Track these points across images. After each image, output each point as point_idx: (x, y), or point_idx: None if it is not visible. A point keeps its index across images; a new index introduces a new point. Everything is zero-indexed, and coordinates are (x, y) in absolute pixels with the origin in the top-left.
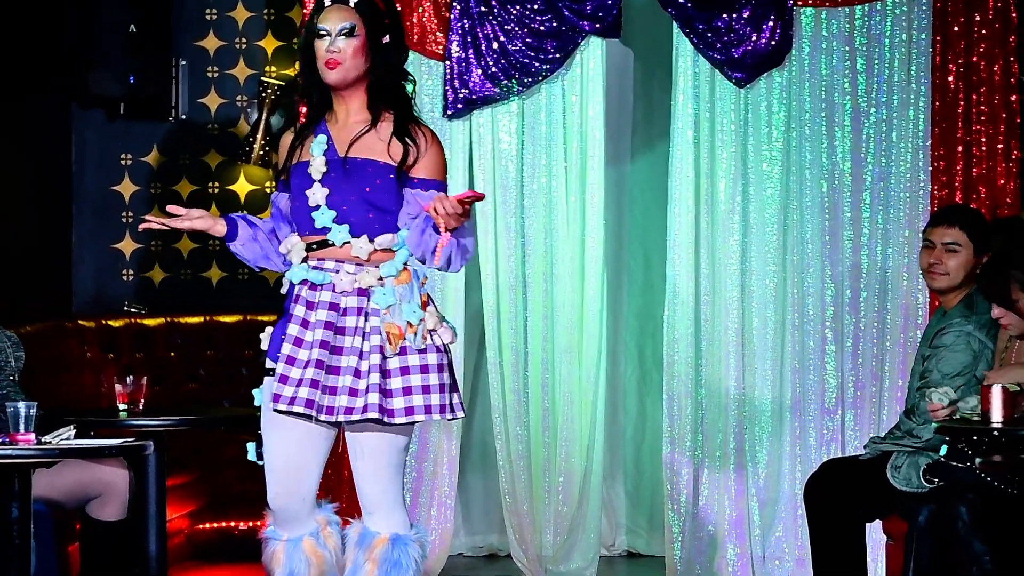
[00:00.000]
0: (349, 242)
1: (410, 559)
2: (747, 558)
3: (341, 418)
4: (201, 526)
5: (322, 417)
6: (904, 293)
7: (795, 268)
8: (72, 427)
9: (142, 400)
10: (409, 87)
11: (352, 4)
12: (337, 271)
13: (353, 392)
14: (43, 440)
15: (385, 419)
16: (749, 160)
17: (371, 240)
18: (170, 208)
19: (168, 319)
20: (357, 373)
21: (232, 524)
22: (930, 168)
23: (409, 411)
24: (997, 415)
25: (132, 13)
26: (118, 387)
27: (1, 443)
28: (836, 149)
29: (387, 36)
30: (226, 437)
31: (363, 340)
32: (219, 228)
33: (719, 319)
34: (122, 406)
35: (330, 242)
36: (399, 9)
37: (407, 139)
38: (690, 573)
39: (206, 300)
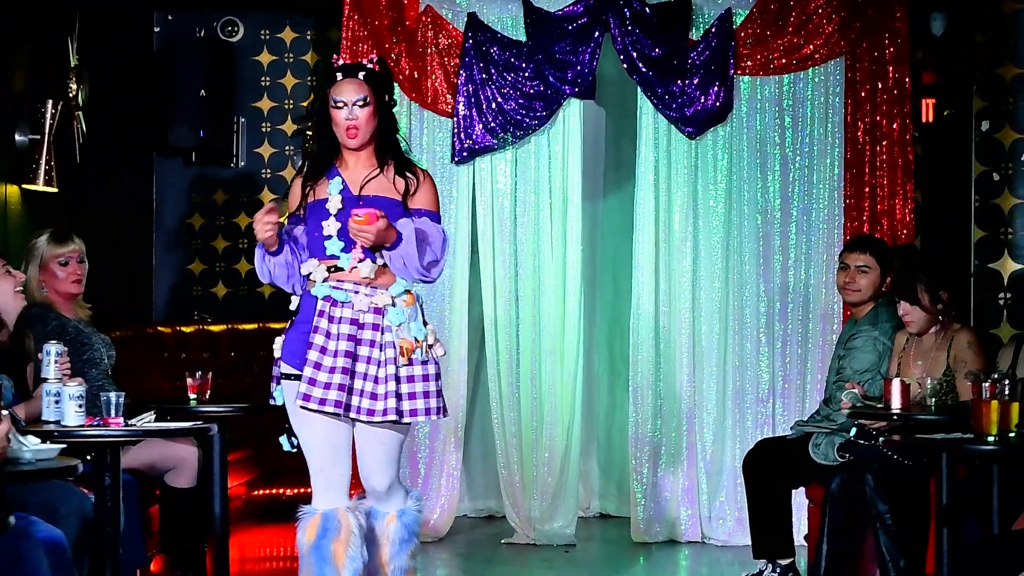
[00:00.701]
0: (356, 267)
1: (415, 523)
2: (696, 518)
3: (364, 417)
4: (256, 492)
5: (350, 415)
6: (823, 305)
7: (736, 285)
8: (152, 412)
9: (208, 391)
10: (400, 135)
11: (361, 77)
12: (356, 292)
13: (373, 396)
14: (129, 423)
15: (398, 420)
16: (699, 198)
17: (373, 261)
18: (269, 203)
19: (229, 326)
20: (376, 379)
21: (281, 491)
22: (843, 204)
23: (414, 412)
24: (896, 403)
25: (203, 80)
26: (189, 381)
27: (96, 425)
28: (768, 189)
29: (387, 96)
30: (275, 421)
31: (380, 351)
32: (274, 241)
33: (674, 326)
34: (192, 396)
35: (340, 266)
36: (416, 76)
37: (407, 174)
38: (651, 530)
39: (260, 310)
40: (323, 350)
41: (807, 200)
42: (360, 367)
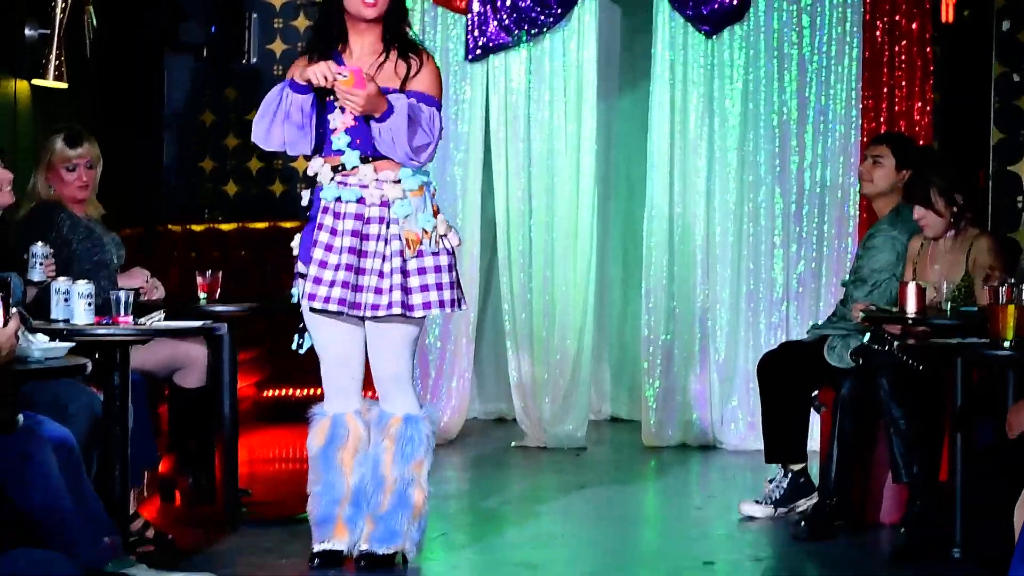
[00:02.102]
0: (357, 166)
1: (422, 435)
2: (708, 422)
3: (368, 314)
4: (265, 393)
5: (353, 313)
6: (838, 207)
7: (751, 186)
8: (162, 311)
9: (218, 290)
10: (411, 31)
11: None
12: (366, 186)
13: (378, 291)
14: (139, 322)
15: (407, 313)
16: (714, 98)
17: (374, 159)
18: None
19: (240, 224)
20: (380, 274)
21: (290, 392)
22: (860, 106)
23: (426, 306)
24: (912, 307)
25: None
26: (199, 280)
27: (105, 324)
28: (785, 89)
29: None
30: (285, 321)
31: (385, 245)
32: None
33: (688, 227)
34: (202, 295)
35: (344, 163)
36: None
37: (409, 55)
38: (662, 433)
39: (271, 209)
40: (328, 247)
41: (824, 100)
42: (366, 263)
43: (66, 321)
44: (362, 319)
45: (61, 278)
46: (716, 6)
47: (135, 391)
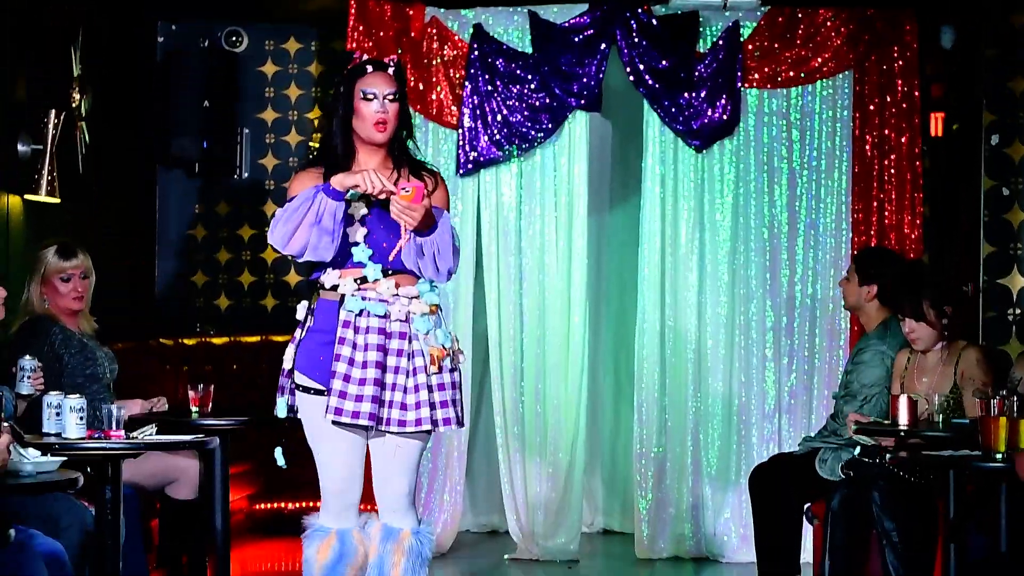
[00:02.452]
0: (379, 279)
1: (429, 549)
2: (701, 535)
3: (395, 429)
4: (258, 506)
5: (382, 428)
6: (830, 320)
7: (742, 299)
8: (154, 425)
9: (210, 404)
10: (410, 142)
11: (391, 72)
12: (392, 302)
13: (403, 406)
14: (130, 436)
15: (432, 429)
16: (705, 211)
17: (394, 274)
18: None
19: (232, 339)
20: (405, 389)
21: (283, 505)
22: (851, 219)
23: (447, 421)
24: (904, 419)
25: (206, 91)
26: (191, 393)
27: (97, 438)
28: (775, 203)
29: (405, 97)
30: (277, 435)
31: (408, 360)
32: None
33: (680, 340)
34: (194, 409)
35: (366, 276)
36: (421, 87)
37: (424, 174)
38: (655, 546)
39: (263, 323)
40: (351, 362)
41: (814, 214)
42: (388, 378)
43: (58, 435)
44: (366, 432)
45: (53, 392)
46: (706, 120)
47: (126, 504)
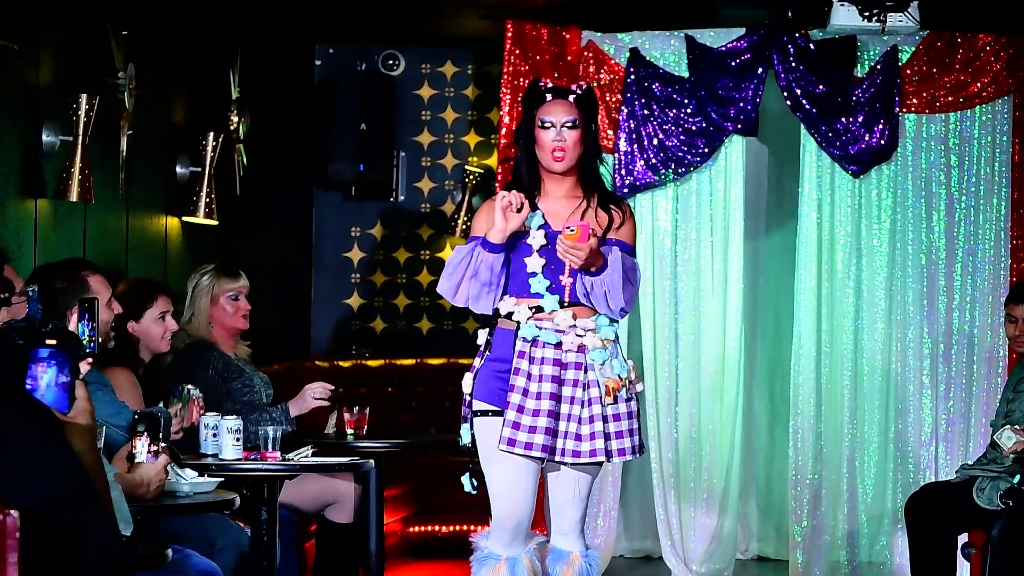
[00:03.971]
0: (556, 311)
1: (596, 572)
2: (856, 563)
3: (569, 460)
4: (412, 529)
5: (556, 459)
6: (988, 348)
7: (899, 326)
8: (310, 448)
9: (365, 427)
10: (603, 168)
11: (572, 99)
12: (566, 332)
13: (578, 437)
14: (287, 457)
15: (606, 460)
16: (862, 237)
17: (571, 305)
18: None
19: (387, 361)
20: (579, 420)
21: (437, 528)
22: (1010, 245)
23: (621, 452)
24: None
25: (363, 114)
26: (346, 416)
27: (253, 459)
28: (933, 229)
29: (593, 124)
30: (432, 457)
31: (583, 391)
32: (500, 237)
33: (836, 366)
34: (349, 431)
35: (542, 306)
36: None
37: (612, 207)
38: (809, 573)
39: (417, 346)
40: (525, 392)
41: (973, 240)
42: (564, 408)
43: (215, 456)
44: (540, 461)
45: (210, 413)
46: (863, 145)
47: (283, 526)
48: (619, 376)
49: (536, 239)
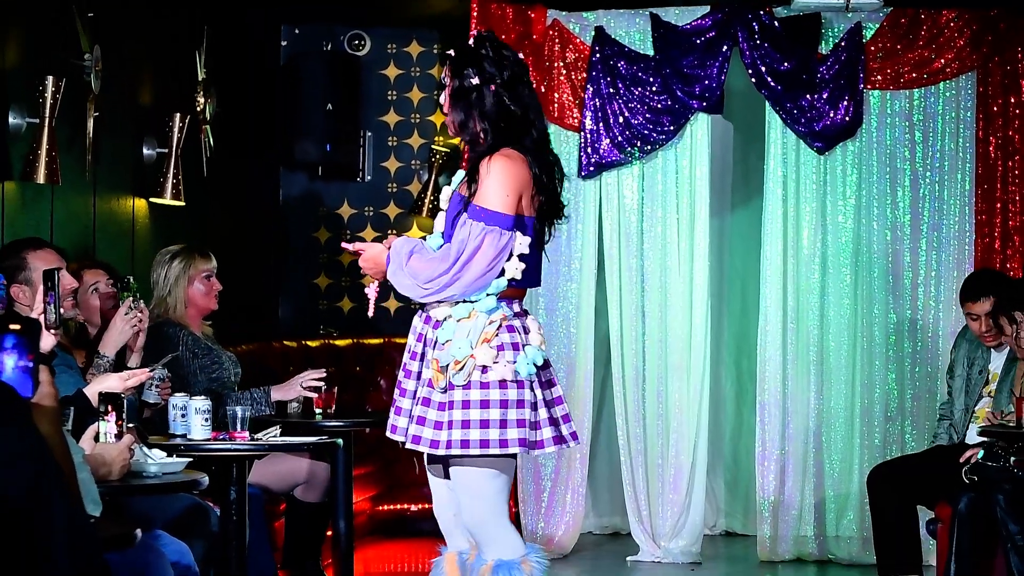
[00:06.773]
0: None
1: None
2: (823, 537)
3: (410, 445)
4: (380, 508)
5: (406, 445)
6: (953, 323)
7: (864, 301)
8: (278, 427)
9: (334, 405)
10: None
11: (448, 61)
12: (435, 306)
13: (413, 419)
14: (255, 437)
15: (429, 450)
16: (827, 213)
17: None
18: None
19: (354, 340)
20: (418, 401)
21: (405, 506)
22: (974, 221)
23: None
24: None
25: (329, 94)
26: (314, 395)
27: (222, 439)
28: (898, 205)
29: (474, 77)
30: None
31: (428, 369)
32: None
33: (802, 342)
34: (318, 410)
35: None
36: (542, 90)
37: (478, 169)
38: (776, 548)
39: (385, 325)
40: (407, 372)
41: (938, 216)
42: (407, 384)
43: (183, 436)
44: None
45: (179, 394)
46: (828, 122)
47: (252, 505)
48: (454, 358)
49: (444, 198)
